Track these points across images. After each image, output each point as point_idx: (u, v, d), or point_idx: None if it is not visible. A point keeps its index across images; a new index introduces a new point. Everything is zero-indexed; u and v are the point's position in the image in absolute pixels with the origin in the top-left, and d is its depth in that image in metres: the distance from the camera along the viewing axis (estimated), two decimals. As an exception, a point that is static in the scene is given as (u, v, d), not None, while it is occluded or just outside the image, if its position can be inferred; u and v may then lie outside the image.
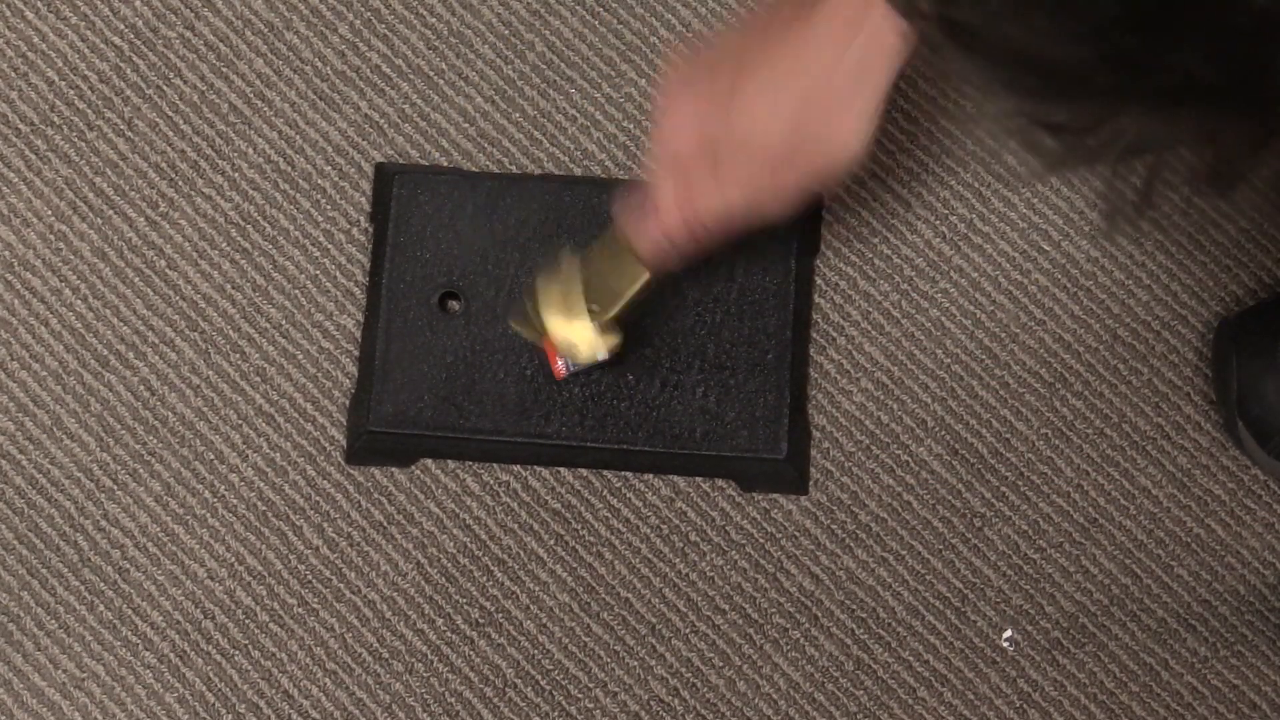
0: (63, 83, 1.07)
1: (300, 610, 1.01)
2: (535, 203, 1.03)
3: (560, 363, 0.97)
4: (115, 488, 1.02)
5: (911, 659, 1.00)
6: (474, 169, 1.06)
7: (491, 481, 1.02)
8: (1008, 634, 1.01)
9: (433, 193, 1.03)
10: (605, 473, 1.02)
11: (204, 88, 1.07)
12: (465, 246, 1.02)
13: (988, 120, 1.03)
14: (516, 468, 1.02)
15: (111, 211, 1.05)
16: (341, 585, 1.01)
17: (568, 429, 1.00)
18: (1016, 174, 1.04)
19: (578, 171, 1.05)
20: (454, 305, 1.02)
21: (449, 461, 1.02)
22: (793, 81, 0.83)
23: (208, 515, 1.02)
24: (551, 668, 1.00)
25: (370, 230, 1.04)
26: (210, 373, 1.03)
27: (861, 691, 1.00)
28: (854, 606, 1.01)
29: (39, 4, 1.08)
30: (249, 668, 1.00)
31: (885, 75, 0.83)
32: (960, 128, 1.07)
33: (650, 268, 0.93)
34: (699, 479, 1.02)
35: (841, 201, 1.06)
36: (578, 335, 0.94)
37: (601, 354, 0.94)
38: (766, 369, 1.01)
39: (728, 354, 1.01)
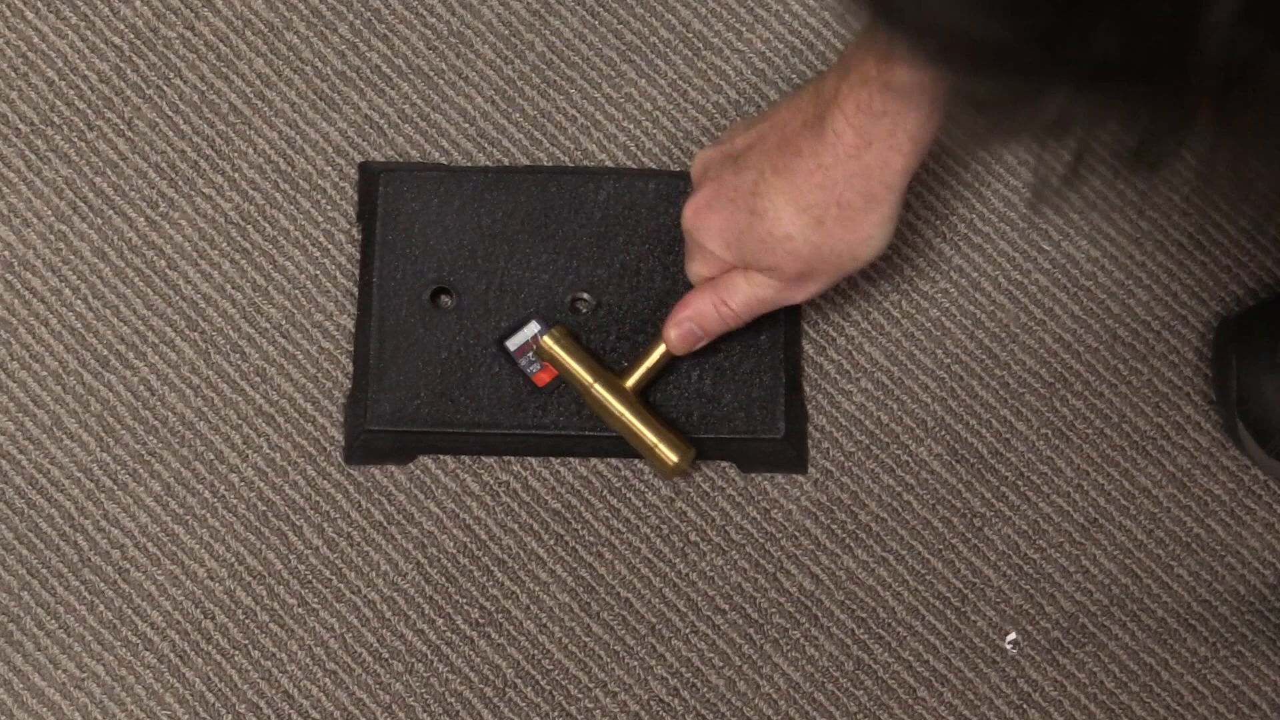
0: (63, 83, 1.07)
1: (300, 610, 1.01)
2: (522, 195, 1.03)
3: (536, 368, 1.00)
4: (115, 488, 1.02)
5: (911, 659, 1.00)
6: (460, 164, 1.06)
7: (491, 481, 1.02)
8: (1011, 636, 1.00)
9: (419, 190, 1.03)
10: (605, 472, 1.02)
11: (204, 88, 1.07)
12: (454, 242, 1.03)
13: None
14: (516, 467, 1.02)
15: (111, 211, 1.05)
16: (341, 585, 1.01)
17: (565, 419, 1.00)
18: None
19: (578, 171, 1.06)
20: (446, 301, 1.03)
21: (449, 461, 1.02)
22: (812, 195, 0.87)
23: (208, 515, 1.02)
24: (551, 668, 1.00)
25: (358, 230, 1.04)
26: (210, 373, 1.03)
27: (861, 691, 1.00)
28: (854, 606, 1.01)
29: (39, 4, 1.08)
30: (249, 668, 1.00)
31: (901, 179, 0.86)
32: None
33: (676, 350, 0.98)
34: (701, 465, 1.02)
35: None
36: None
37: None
38: (760, 350, 1.01)
39: (721, 337, 1.01)
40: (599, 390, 0.98)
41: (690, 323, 0.95)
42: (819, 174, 0.86)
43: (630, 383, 0.98)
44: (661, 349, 0.98)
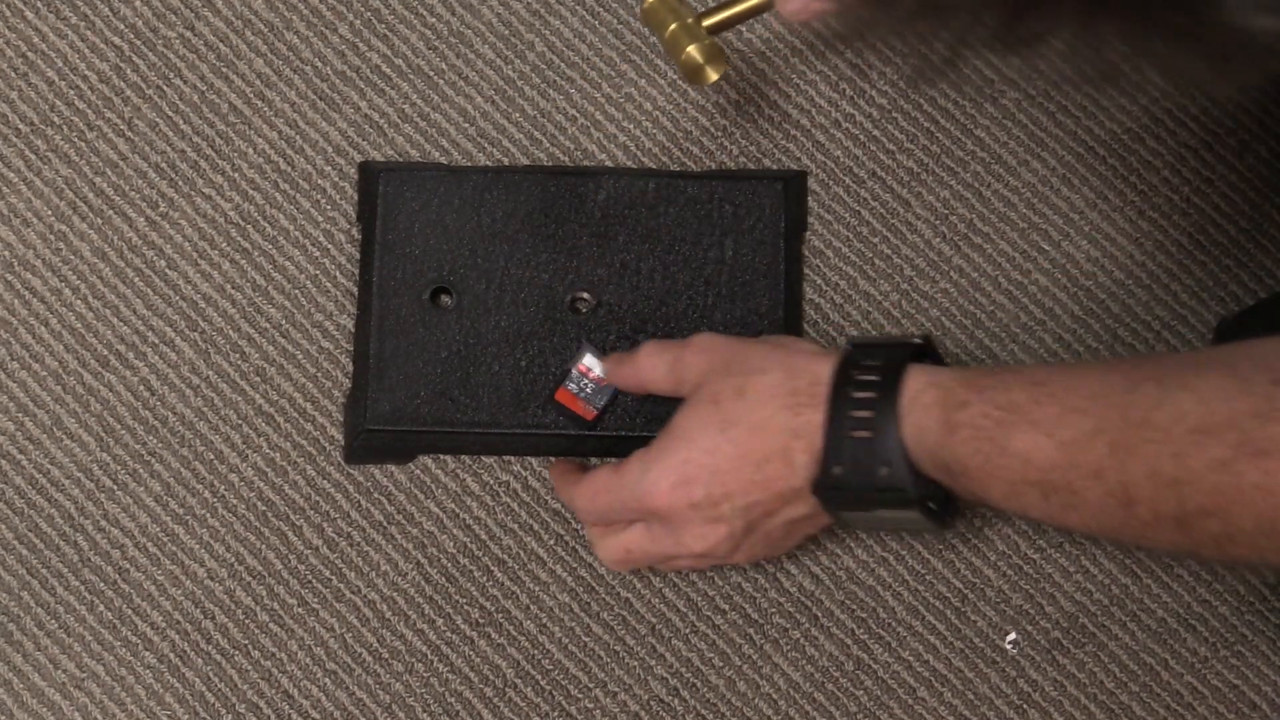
0: (63, 83, 1.07)
1: (300, 610, 1.01)
2: (522, 194, 1.03)
3: (585, 403, 0.99)
4: (115, 488, 1.02)
5: (911, 659, 1.00)
6: (460, 163, 1.06)
7: (491, 481, 1.02)
8: (1011, 637, 1.00)
9: (419, 189, 1.03)
10: (605, 473, 1.02)
11: (204, 88, 1.07)
12: (454, 241, 1.03)
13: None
14: (516, 467, 1.02)
15: (111, 211, 1.05)
16: (341, 585, 1.01)
17: (565, 418, 1.00)
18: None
19: (578, 171, 1.06)
20: (446, 300, 1.03)
21: (449, 461, 1.02)
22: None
23: (208, 515, 1.02)
24: (551, 668, 1.00)
25: (358, 230, 1.04)
26: (210, 373, 1.04)
27: (861, 691, 1.00)
28: (854, 606, 1.01)
29: (39, 4, 1.08)
30: (249, 668, 1.00)
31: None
32: (960, 128, 1.07)
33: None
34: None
35: (840, 200, 1.06)
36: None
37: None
38: None
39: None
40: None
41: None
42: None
43: (708, 23, 0.93)
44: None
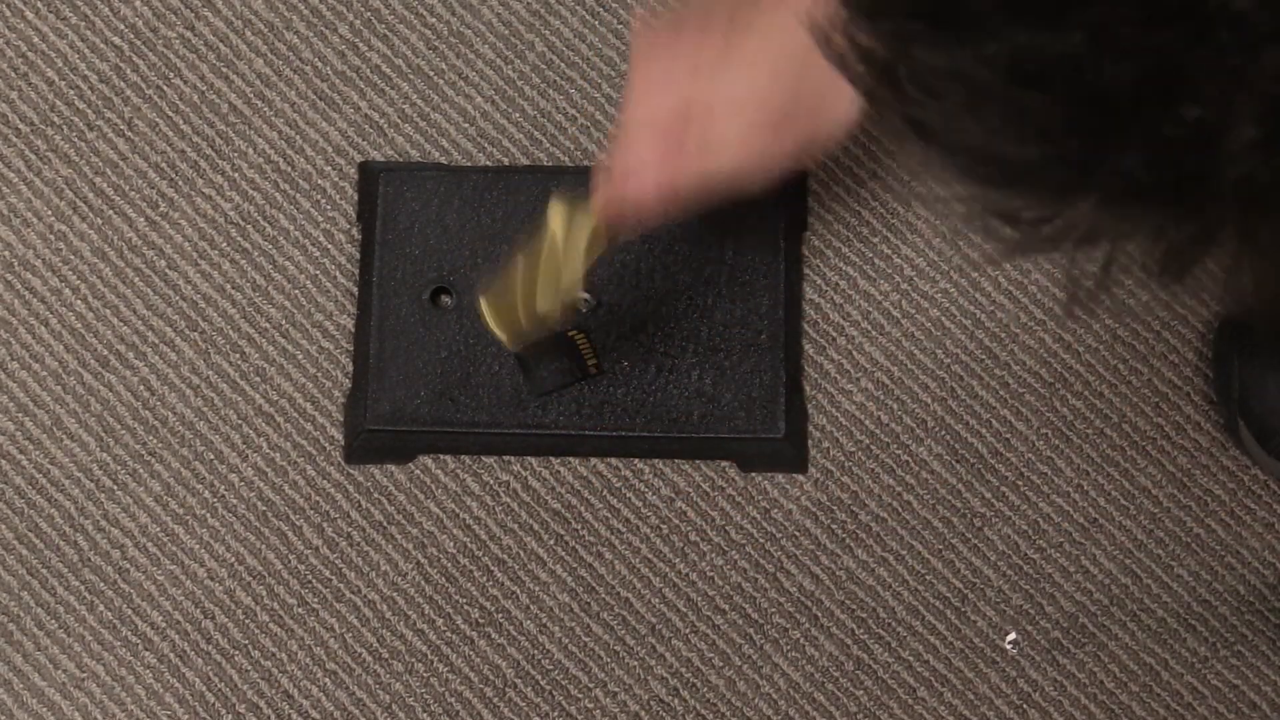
0: (63, 83, 1.07)
1: (300, 610, 1.01)
2: (522, 194, 1.03)
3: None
4: (115, 488, 1.02)
5: (911, 659, 1.00)
6: (460, 163, 1.06)
7: (491, 481, 1.02)
8: (1011, 637, 1.00)
9: (419, 189, 1.03)
10: (605, 472, 1.02)
11: (204, 88, 1.07)
12: (454, 241, 1.03)
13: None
14: (516, 467, 1.02)
15: (111, 211, 1.05)
16: (341, 585, 1.01)
17: (565, 418, 1.00)
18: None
19: (578, 171, 1.06)
20: (446, 300, 1.03)
21: (449, 461, 1.02)
22: (795, 38, 0.79)
23: (208, 515, 1.02)
24: (551, 668, 1.00)
25: (358, 230, 1.04)
26: (210, 373, 1.03)
27: (861, 691, 1.00)
28: (854, 606, 1.01)
29: (39, 4, 1.08)
30: (249, 668, 1.00)
31: None
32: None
33: (610, 238, 0.87)
34: (701, 465, 1.02)
35: (840, 200, 1.06)
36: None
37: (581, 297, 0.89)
38: (760, 349, 1.01)
39: (721, 336, 1.01)
40: None
41: (630, 203, 0.84)
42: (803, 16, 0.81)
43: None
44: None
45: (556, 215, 0.86)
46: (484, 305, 0.90)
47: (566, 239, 0.86)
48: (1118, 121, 0.45)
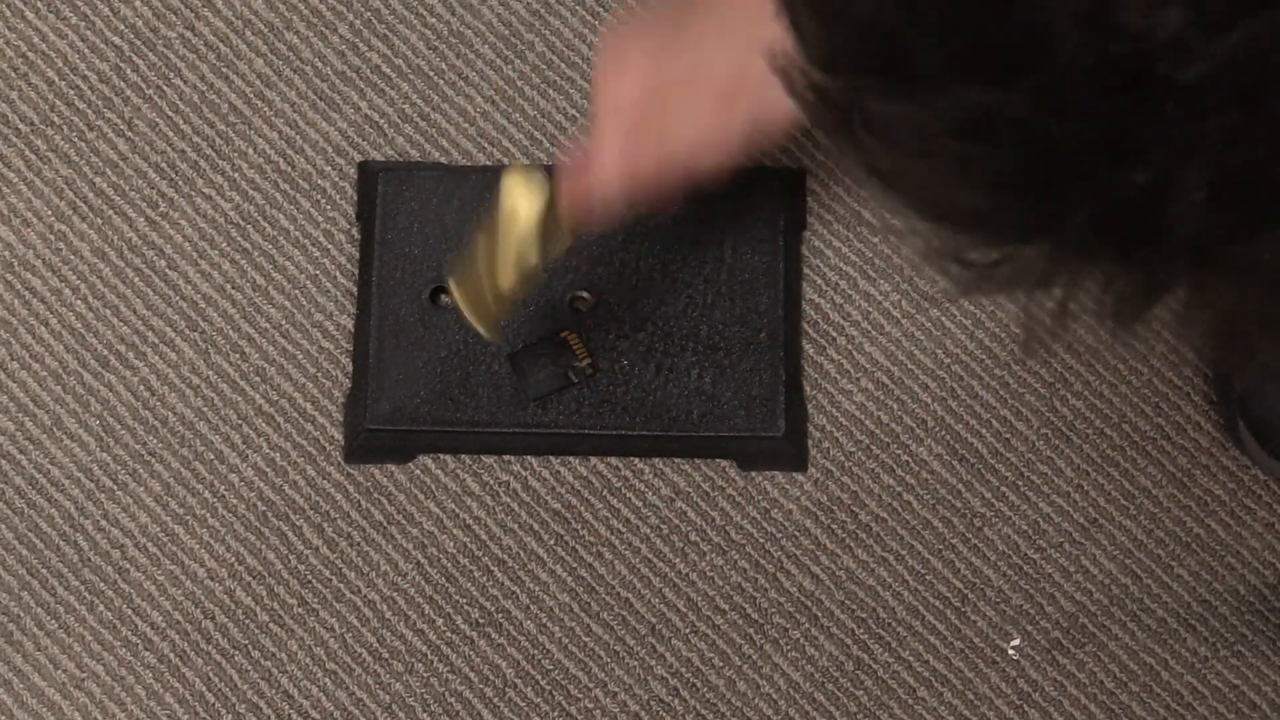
0: (63, 83, 1.07)
1: (300, 610, 1.01)
2: None
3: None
4: (115, 488, 1.02)
5: (911, 659, 1.00)
6: (460, 163, 1.06)
7: (491, 481, 1.02)
8: (1015, 642, 1.00)
9: (418, 189, 1.03)
10: (605, 472, 1.02)
11: (204, 88, 1.07)
12: (454, 240, 1.03)
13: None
14: (516, 467, 1.02)
15: (111, 211, 1.05)
16: (341, 585, 1.01)
17: (564, 417, 1.00)
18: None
19: (578, 171, 1.06)
20: (445, 300, 1.03)
21: (449, 461, 1.02)
22: (743, 14, 0.81)
23: (208, 515, 1.02)
24: (551, 668, 1.00)
25: (358, 230, 1.04)
26: (210, 373, 1.04)
27: (861, 691, 1.00)
28: (854, 606, 1.01)
29: (39, 4, 1.08)
30: (249, 668, 1.00)
31: None
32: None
33: (572, 229, 0.87)
34: (701, 465, 1.02)
35: (840, 200, 1.06)
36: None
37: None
38: (760, 348, 1.01)
39: (721, 335, 1.01)
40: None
41: (595, 191, 0.85)
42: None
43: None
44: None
45: (511, 187, 0.86)
46: (454, 289, 0.90)
47: (520, 209, 0.86)
48: (1066, 180, 0.46)
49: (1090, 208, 0.46)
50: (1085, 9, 0.43)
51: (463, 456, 1.02)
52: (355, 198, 1.05)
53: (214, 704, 1.00)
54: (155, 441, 1.03)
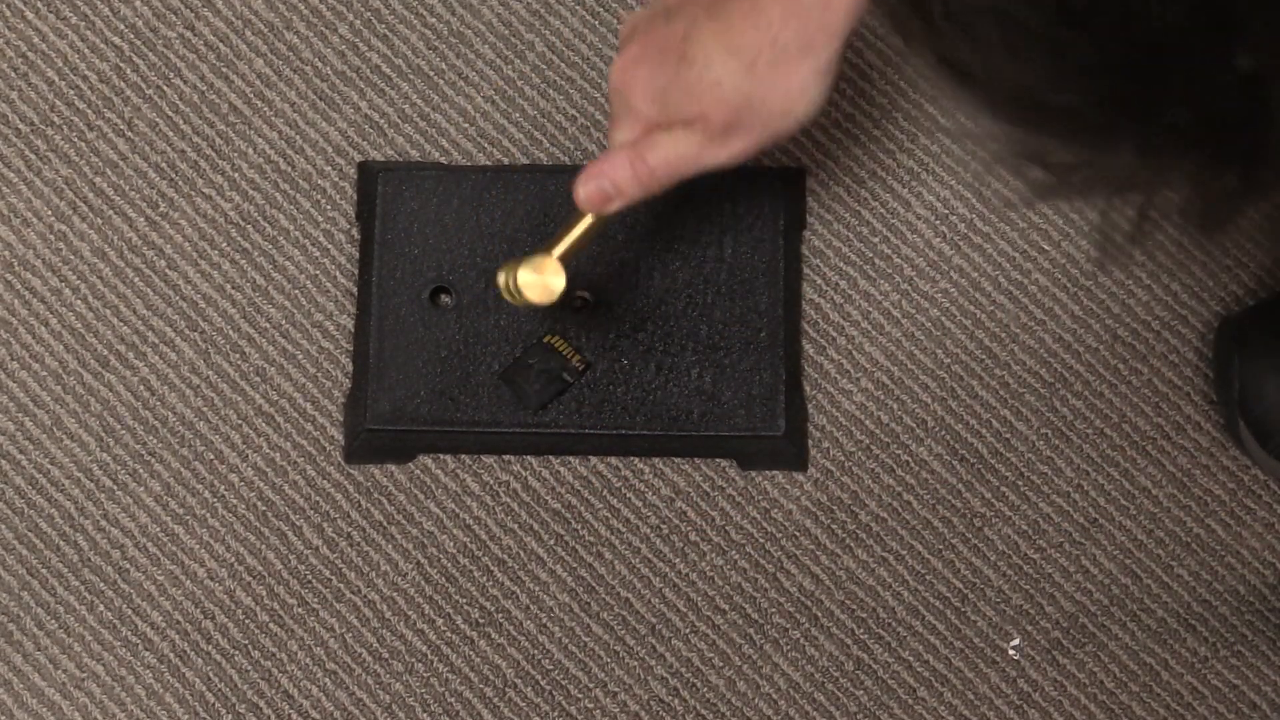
0: (63, 83, 1.07)
1: (300, 610, 1.01)
2: (521, 194, 1.03)
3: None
4: (115, 488, 1.02)
5: (911, 659, 1.00)
6: (460, 163, 1.06)
7: (491, 481, 1.02)
8: (1015, 642, 1.00)
9: (418, 189, 1.03)
10: (605, 472, 1.02)
11: (204, 88, 1.07)
12: (453, 240, 1.03)
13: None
14: (516, 467, 1.02)
15: (111, 211, 1.06)
16: (341, 585, 1.01)
17: (565, 417, 1.00)
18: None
19: (578, 171, 1.06)
20: (445, 299, 1.03)
21: (449, 461, 1.02)
22: (745, 37, 0.81)
23: (208, 515, 1.02)
24: (551, 668, 1.00)
25: (358, 230, 1.04)
26: (210, 373, 1.04)
27: (861, 691, 1.00)
28: (854, 606, 1.01)
29: (39, 4, 1.08)
30: (249, 668, 1.00)
31: (842, 23, 0.81)
32: (960, 128, 1.07)
33: (584, 209, 0.89)
34: (701, 465, 1.02)
35: (840, 200, 1.06)
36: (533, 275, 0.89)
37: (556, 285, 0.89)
38: (760, 347, 1.01)
39: (721, 334, 1.01)
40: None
41: (603, 179, 0.87)
42: (753, 14, 0.81)
43: (557, 252, 0.90)
44: (588, 220, 0.89)
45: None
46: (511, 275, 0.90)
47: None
48: (1164, 67, 0.43)
49: (1187, 97, 0.44)
50: None
51: (463, 456, 1.02)
52: (355, 198, 1.05)
53: (214, 704, 1.00)
54: (155, 441, 1.03)
